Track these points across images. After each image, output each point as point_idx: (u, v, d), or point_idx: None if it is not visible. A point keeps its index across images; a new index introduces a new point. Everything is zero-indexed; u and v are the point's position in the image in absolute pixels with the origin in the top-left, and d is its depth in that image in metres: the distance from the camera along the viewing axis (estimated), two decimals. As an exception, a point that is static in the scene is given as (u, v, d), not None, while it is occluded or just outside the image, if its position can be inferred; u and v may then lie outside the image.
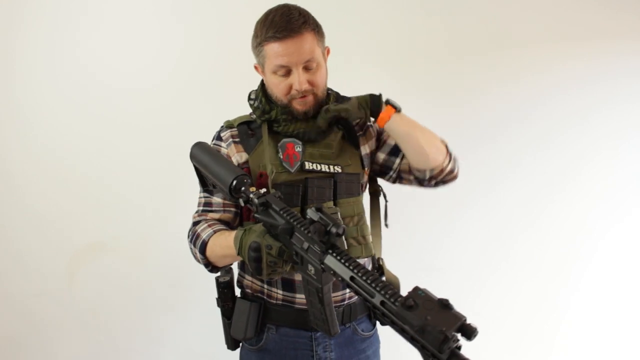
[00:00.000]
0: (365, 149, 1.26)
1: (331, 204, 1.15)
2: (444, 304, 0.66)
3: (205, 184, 1.15)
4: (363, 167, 1.24)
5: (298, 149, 1.17)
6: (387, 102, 1.14)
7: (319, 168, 1.17)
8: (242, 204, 1.02)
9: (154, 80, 2.14)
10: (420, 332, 0.65)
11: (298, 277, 1.17)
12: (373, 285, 0.75)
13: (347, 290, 1.21)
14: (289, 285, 1.18)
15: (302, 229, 0.89)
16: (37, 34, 2.06)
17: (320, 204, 0.86)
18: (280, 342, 1.21)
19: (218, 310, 1.29)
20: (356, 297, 1.22)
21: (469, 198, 2.35)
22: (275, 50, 1.09)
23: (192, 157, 1.13)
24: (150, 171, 2.14)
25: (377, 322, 1.31)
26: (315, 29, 1.13)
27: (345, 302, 1.21)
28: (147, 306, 2.19)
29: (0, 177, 2.09)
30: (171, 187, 2.15)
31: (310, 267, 0.89)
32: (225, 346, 1.31)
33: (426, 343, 0.64)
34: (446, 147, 1.21)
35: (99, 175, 2.13)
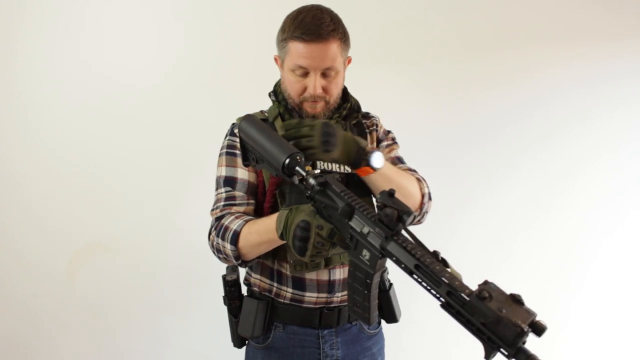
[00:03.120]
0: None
1: None
2: (517, 299, 0.67)
3: (247, 159, 1.11)
4: None
5: None
6: (368, 158, 1.08)
7: (330, 168, 1.17)
8: (296, 182, 0.98)
9: (155, 79, 2.14)
10: (495, 324, 0.64)
11: (309, 275, 1.18)
12: (440, 275, 0.73)
13: None
14: (299, 284, 1.19)
15: (365, 212, 0.85)
16: (38, 32, 2.06)
17: (393, 189, 0.83)
18: (288, 340, 1.21)
19: (220, 310, 1.30)
20: None
21: (470, 199, 2.35)
22: (298, 50, 1.10)
23: (241, 130, 1.09)
24: (152, 170, 2.14)
25: (382, 320, 1.32)
26: (343, 38, 1.14)
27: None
28: (148, 306, 2.19)
29: (0, 176, 2.09)
30: (173, 187, 2.14)
31: (364, 252, 0.86)
32: (228, 346, 1.32)
33: (497, 336, 0.64)
34: (422, 198, 1.20)
35: (99, 175, 2.12)
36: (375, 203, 1.27)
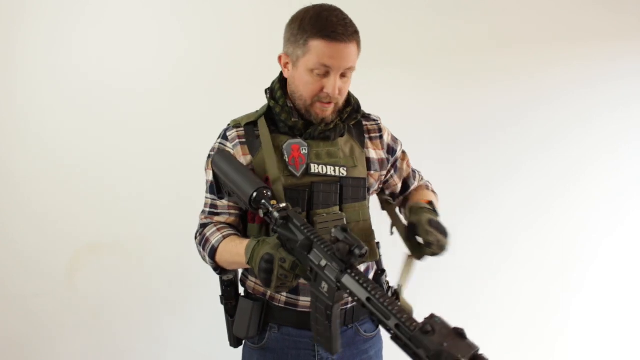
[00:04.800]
0: (370, 153, 1.25)
1: (337, 209, 1.16)
2: (459, 333, 0.69)
3: (221, 191, 1.16)
4: (369, 169, 1.24)
5: (304, 151, 1.16)
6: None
7: (324, 171, 1.16)
8: (262, 216, 1.03)
9: (155, 80, 2.13)
10: (436, 358, 0.67)
11: (302, 280, 1.17)
12: (389, 308, 0.76)
13: None
14: (293, 288, 1.17)
15: (322, 246, 0.89)
16: (38, 33, 2.06)
17: (345, 224, 0.88)
18: (283, 342, 1.21)
19: (219, 310, 1.29)
20: None
21: (471, 199, 2.35)
22: (323, 49, 1.07)
23: (214, 164, 1.13)
24: (151, 171, 2.14)
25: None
26: (359, 40, 1.14)
27: (349, 306, 1.22)
28: (148, 306, 2.19)
29: (0, 176, 2.09)
30: (172, 187, 2.14)
31: (323, 284, 0.89)
32: (227, 346, 1.31)
33: None
34: None
35: (99, 175, 2.12)
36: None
